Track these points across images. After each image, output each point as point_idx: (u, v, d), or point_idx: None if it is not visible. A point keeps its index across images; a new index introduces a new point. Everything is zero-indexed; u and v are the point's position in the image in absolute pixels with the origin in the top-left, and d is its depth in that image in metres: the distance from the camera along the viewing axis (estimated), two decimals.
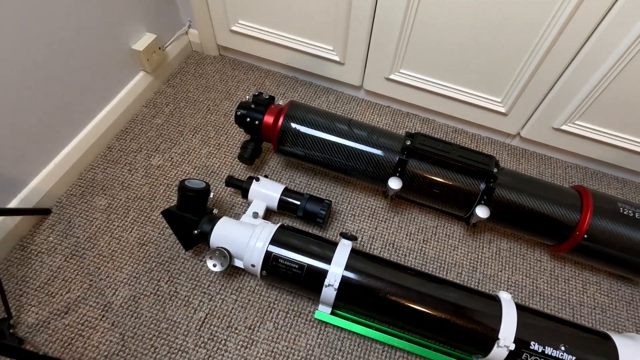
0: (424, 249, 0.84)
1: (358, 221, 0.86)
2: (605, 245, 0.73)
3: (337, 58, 0.94)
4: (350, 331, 0.72)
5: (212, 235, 0.69)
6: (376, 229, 0.85)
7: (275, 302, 0.74)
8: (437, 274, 0.80)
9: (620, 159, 0.94)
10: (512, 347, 0.61)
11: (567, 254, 0.79)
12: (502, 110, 0.91)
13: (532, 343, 0.62)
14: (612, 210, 0.74)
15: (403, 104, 1.03)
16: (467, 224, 0.84)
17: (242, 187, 0.77)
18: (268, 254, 0.66)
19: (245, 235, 0.68)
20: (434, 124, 1.04)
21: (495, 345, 0.62)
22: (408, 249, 0.83)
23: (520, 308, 0.66)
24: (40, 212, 0.76)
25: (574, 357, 0.62)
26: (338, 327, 0.72)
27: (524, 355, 0.62)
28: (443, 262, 0.82)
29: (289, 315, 0.73)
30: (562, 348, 0.62)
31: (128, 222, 0.79)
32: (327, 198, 0.82)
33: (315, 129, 0.76)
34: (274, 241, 0.67)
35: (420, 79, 0.92)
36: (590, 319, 0.79)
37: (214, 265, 0.67)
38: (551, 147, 0.98)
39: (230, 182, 0.79)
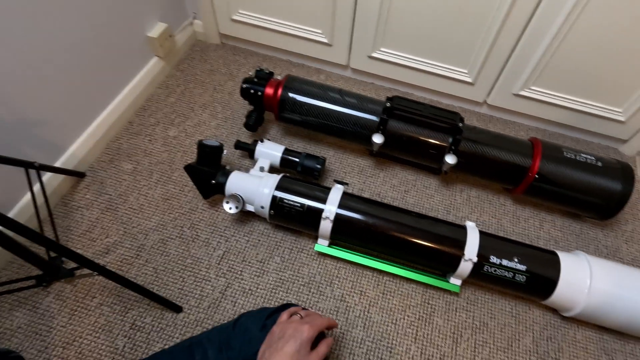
0: (405, 197, 0.99)
1: (349, 177, 1.01)
2: (553, 184, 0.89)
3: (325, 40, 1.09)
4: (344, 261, 0.87)
5: (227, 185, 0.83)
6: (364, 182, 1.00)
7: (281, 241, 0.89)
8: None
9: (571, 119, 1.11)
10: (475, 259, 0.77)
11: (524, 195, 0.95)
12: (469, 80, 1.07)
13: (491, 257, 0.78)
14: (558, 154, 0.90)
15: (385, 80, 1.19)
16: (439, 173, 1.00)
17: (249, 148, 0.92)
18: (274, 197, 0.81)
19: (255, 183, 0.83)
20: (412, 97, 1.19)
21: (462, 260, 0.78)
22: (392, 198, 0.98)
23: (482, 233, 0.81)
24: (77, 174, 0.90)
25: (525, 266, 0.77)
26: (335, 258, 0.87)
27: (485, 267, 0.78)
28: (422, 207, 0.98)
29: (293, 251, 0.88)
30: (516, 260, 0.78)
31: (152, 181, 0.94)
32: (323, 157, 0.97)
33: (310, 97, 0.91)
34: (279, 187, 0.82)
35: (398, 55, 1.08)
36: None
37: (230, 208, 0.82)
38: (513, 112, 1.14)
39: (239, 144, 0.93)
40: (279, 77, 0.96)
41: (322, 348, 0.56)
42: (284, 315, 0.61)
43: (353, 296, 0.84)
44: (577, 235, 0.98)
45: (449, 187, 1.02)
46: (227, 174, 0.84)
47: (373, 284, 0.86)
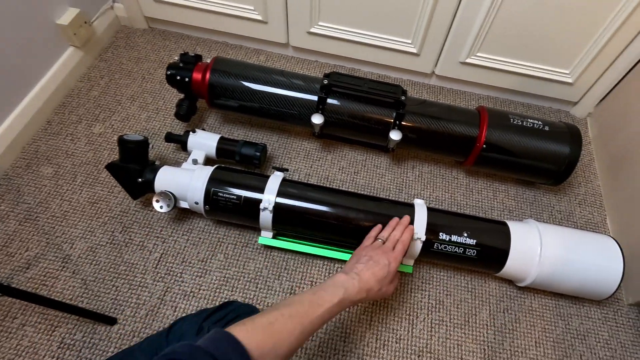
0: (355, 179, 0.96)
1: (294, 162, 0.97)
2: (501, 152, 0.88)
3: (259, 17, 1.03)
4: (292, 251, 0.84)
5: (155, 182, 0.78)
6: (311, 167, 0.97)
7: (224, 237, 0.85)
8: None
9: (520, 84, 1.10)
10: (423, 238, 0.75)
11: (474, 167, 0.94)
12: (414, 50, 1.04)
13: (440, 234, 0.76)
14: (504, 121, 0.88)
15: (328, 57, 1.14)
16: (387, 151, 0.97)
17: (180, 141, 0.86)
18: (208, 190, 0.76)
19: (187, 178, 0.78)
20: (359, 73, 1.16)
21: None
22: (341, 181, 0.96)
23: (431, 210, 0.80)
24: None
25: (474, 240, 0.76)
26: (282, 249, 0.84)
27: (435, 244, 0.76)
28: (373, 188, 0.96)
29: (237, 247, 0.84)
30: (465, 234, 0.77)
31: (76, 185, 0.87)
32: (263, 143, 0.93)
33: (241, 80, 0.85)
34: (212, 179, 0.77)
35: (338, 29, 1.03)
36: (499, 219, 0.94)
37: (161, 207, 0.76)
38: (462, 81, 1.13)
39: (170, 137, 0.87)
40: (209, 61, 0.90)
41: (397, 280, 0.68)
42: (367, 241, 0.71)
43: (303, 287, 0.81)
44: (531, 202, 0.98)
45: (400, 165, 1.00)
46: (155, 170, 0.79)
47: (324, 272, 0.83)
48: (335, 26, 1.03)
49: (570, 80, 1.06)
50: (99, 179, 0.88)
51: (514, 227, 0.80)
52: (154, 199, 0.76)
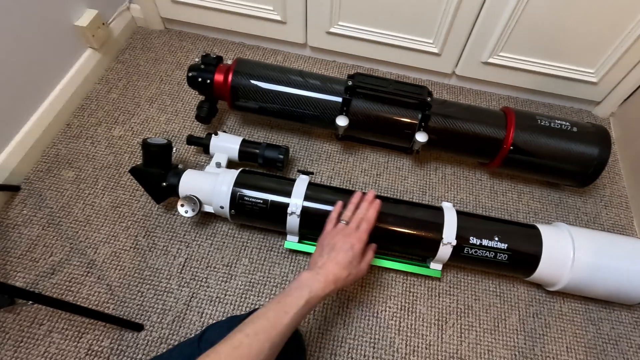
0: (377, 181, 0.95)
1: (316, 164, 0.96)
2: (529, 154, 0.87)
3: (278, 17, 1.02)
4: None
5: (180, 186, 0.77)
6: (333, 169, 0.96)
7: (248, 241, 0.84)
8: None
9: (543, 84, 1.09)
10: (454, 242, 0.74)
11: (500, 169, 0.93)
12: (435, 50, 1.03)
13: (470, 238, 0.75)
14: (532, 123, 0.87)
15: (347, 57, 1.13)
16: (411, 152, 0.97)
17: (202, 143, 0.86)
18: (234, 194, 0.75)
19: (211, 182, 0.77)
20: (378, 73, 1.15)
21: (441, 244, 0.75)
22: (363, 184, 0.95)
23: (460, 213, 0.79)
24: (10, 189, 0.82)
25: (505, 244, 0.75)
26: (307, 253, 0.83)
27: (465, 249, 0.76)
28: (396, 190, 0.95)
29: (262, 251, 0.83)
30: (496, 238, 0.76)
31: (98, 189, 0.86)
32: (285, 145, 0.92)
33: (264, 81, 0.85)
34: (238, 183, 0.76)
35: (358, 29, 1.02)
36: (525, 222, 0.93)
37: (186, 212, 0.76)
38: (483, 81, 1.12)
39: (191, 140, 0.87)
40: (229, 62, 0.89)
41: (370, 255, 0.66)
42: (329, 225, 0.68)
43: None
44: (556, 204, 0.97)
45: (422, 167, 0.99)
46: (179, 173, 0.78)
47: None
48: (356, 26, 1.02)
49: (594, 80, 1.05)
50: (120, 183, 0.88)
51: (545, 230, 0.79)
52: (179, 203, 0.76)
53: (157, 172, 0.77)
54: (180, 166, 0.81)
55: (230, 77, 0.83)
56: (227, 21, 1.08)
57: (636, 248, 0.78)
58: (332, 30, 1.03)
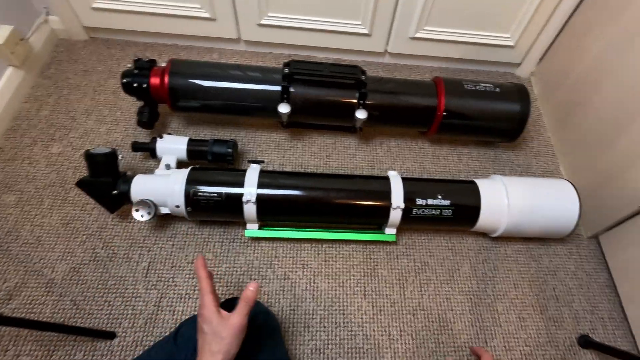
0: (328, 162, 1.04)
1: (266, 154, 1.03)
2: (460, 117, 0.99)
3: (207, 15, 1.07)
4: (280, 239, 0.90)
5: (132, 192, 0.81)
6: (284, 157, 1.03)
7: (210, 236, 0.90)
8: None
9: (468, 53, 1.23)
10: (402, 205, 0.85)
11: (438, 135, 1.05)
12: (365, 31, 1.13)
13: (417, 200, 0.86)
14: (459, 88, 1.00)
15: (282, 47, 1.21)
16: (355, 131, 1.06)
17: (148, 148, 0.90)
18: (188, 192, 0.81)
19: (163, 183, 0.82)
20: (315, 59, 1.23)
21: (391, 209, 0.85)
22: (315, 167, 1.03)
23: (405, 179, 0.89)
24: None
25: (449, 201, 0.87)
26: (269, 239, 0.90)
27: (413, 210, 0.86)
28: (346, 168, 1.04)
29: (224, 243, 0.89)
30: (440, 197, 0.87)
31: (45, 208, 0.88)
32: (233, 139, 0.98)
33: (202, 79, 0.90)
34: (190, 180, 0.82)
35: (288, 18, 1.10)
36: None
37: (142, 216, 0.80)
38: (415, 56, 1.24)
39: (137, 146, 0.91)
40: (164, 64, 0.94)
41: (241, 304, 0.54)
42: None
43: (296, 271, 0.88)
44: (493, 161, 1.11)
45: (369, 143, 1.09)
46: (129, 180, 0.82)
47: (313, 254, 0.91)
48: (285, 15, 1.09)
49: (511, 43, 1.20)
50: (67, 199, 0.90)
51: (482, 183, 0.91)
52: (134, 208, 0.80)
53: (106, 181, 0.80)
54: (129, 173, 0.85)
55: (166, 79, 0.88)
56: (154, 24, 1.11)
57: (560, 187, 0.92)
58: (263, 22, 1.10)
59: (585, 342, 0.86)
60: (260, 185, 0.83)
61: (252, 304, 0.55)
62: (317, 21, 1.11)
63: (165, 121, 1.05)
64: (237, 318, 0.53)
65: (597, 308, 0.92)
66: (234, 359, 0.53)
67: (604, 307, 0.92)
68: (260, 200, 0.82)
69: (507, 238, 0.98)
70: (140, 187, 0.82)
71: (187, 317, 0.75)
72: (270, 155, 1.03)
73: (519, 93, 1.02)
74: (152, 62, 0.91)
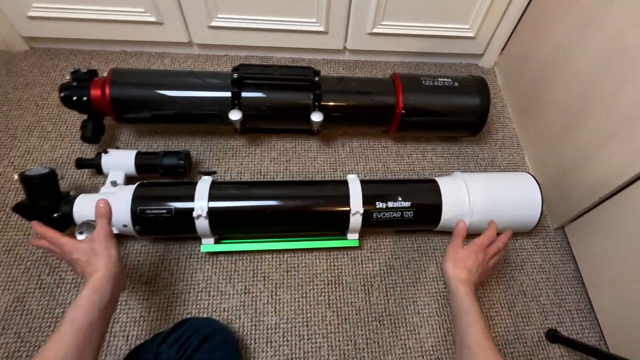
0: (288, 168, 1.01)
1: (223, 163, 1.00)
2: (419, 114, 0.98)
3: (153, 19, 1.03)
4: (239, 252, 0.88)
5: (74, 213, 0.77)
6: (241, 164, 1.00)
7: (165, 254, 0.87)
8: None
9: (428, 46, 1.21)
10: (362, 210, 0.83)
11: (400, 133, 1.03)
12: (321, 29, 1.10)
13: (377, 203, 0.84)
14: (417, 85, 0.98)
15: (237, 49, 1.17)
16: (314, 133, 1.03)
17: (93, 164, 0.86)
18: (134, 210, 0.77)
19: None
20: (272, 60, 1.20)
21: (350, 215, 0.83)
22: (274, 172, 1.00)
23: (364, 182, 0.87)
24: None
25: (409, 202, 0.85)
26: (228, 252, 0.87)
27: (374, 214, 0.84)
28: (307, 173, 1.01)
29: (181, 260, 0.86)
30: (400, 198, 0.85)
31: None
32: (185, 149, 0.94)
33: (145, 88, 0.86)
34: (137, 198, 0.78)
35: (239, 19, 1.06)
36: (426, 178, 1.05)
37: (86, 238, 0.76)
38: (374, 51, 1.21)
39: (81, 162, 0.86)
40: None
41: (98, 220, 0.65)
42: None
43: (257, 284, 0.86)
44: (457, 156, 1.10)
45: (330, 145, 1.07)
46: (71, 201, 0.78)
47: (275, 265, 0.88)
48: (236, 16, 1.06)
49: (472, 34, 1.18)
50: (9, 224, 0.85)
51: (442, 182, 0.90)
52: (76, 231, 0.76)
53: (45, 204, 0.76)
54: (72, 193, 0.81)
55: (107, 90, 0.84)
56: (98, 31, 1.06)
57: (521, 180, 0.91)
58: (214, 24, 1.06)
59: (553, 336, 0.86)
60: (212, 197, 0.80)
61: (108, 216, 0.67)
62: (270, 21, 1.07)
63: (114, 134, 1.00)
64: (99, 229, 0.64)
65: (565, 300, 0.92)
66: (118, 265, 0.62)
67: (571, 299, 0.92)
68: (213, 214, 0.79)
69: (474, 235, 0.97)
70: (84, 207, 0.78)
71: (140, 342, 0.72)
72: (228, 163, 1.00)
73: (478, 86, 1.00)
74: (92, 73, 0.87)
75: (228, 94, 0.88)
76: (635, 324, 0.78)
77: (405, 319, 0.86)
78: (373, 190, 0.86)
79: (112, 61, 1.12)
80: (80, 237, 0.76)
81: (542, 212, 0.89)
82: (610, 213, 0.84)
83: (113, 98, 0.85)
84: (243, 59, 1.18)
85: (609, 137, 0.81)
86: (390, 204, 0.85)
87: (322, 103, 0.92)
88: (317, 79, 0.91)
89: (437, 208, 0.87)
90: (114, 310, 0.60)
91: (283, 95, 0.91)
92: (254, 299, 0.84)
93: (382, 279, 0.90)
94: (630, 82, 0.76)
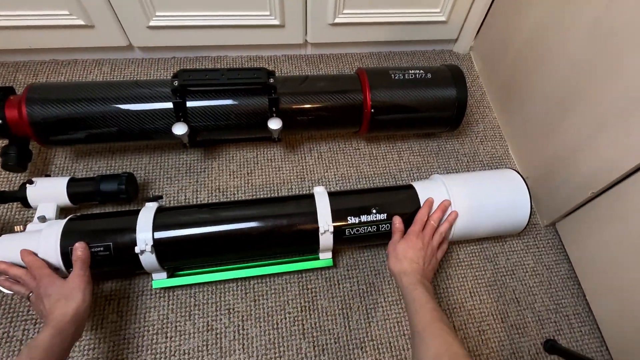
0: (250, 180, 0.92)
1: (176, 181, 0.90)
2: (391, 111, 0.89)
3: (81, 22, 0.91)
4: (198, 284, 0.78)
5: None
6: (197, 181, 0.90)
7: (112, 294, 0.77)
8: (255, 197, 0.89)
9: (398, 34, 1.12)
10: (331, 229, 0.74)
11: (372, 133, 0.94)
12: (277, 22, 1.00)
13: (348, 218, 0.75)
14: (385, 80, 0.89)
15: (185, 50, 1.06)
16: (276, 140, 0.94)
17: (17, 197, 0.74)
18: (64, 251, 0.67)
19: (34, 242, 0.67)
20: (227, 60, 1.09)
21: (320, 234, 0.74)
22: (235, 187, 0.90)
23: (333, 195, 0.78)
24: None
25: (384, 214, 0.77)
26: (185, 285, 0.78)
27: (346, 231, 0.75)
28: (272, 185, 0.92)
29: (131, 299, 0.76)
30: (374, 211, 0.76)
31: None
32: (127, 172, 0.84)
33: (71, 104, 0.75)
34: (67, 234, 0.67)
35: (181, 16, 0.95)
36: (410, 179, 0.97)
37: (10, 289, 0.66)
38: (339, 43, 1.12)
39: (2, 196, 0.75)
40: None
41: (76, 264, 0.64)
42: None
43: (221, 319, 0.77)
44: (436, 153, 1.02)
45: (296, 151, 0.97)
46: None
47: (240, 295, 0.79)
48: (178, 13, 0.94)
49: (443, 19, 1.10)
50: None
51: (420, 187, 0.81)
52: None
53: None
54: None
55: (24, 110, 0.72)
56: (21, 39, 0.93)
57: (506, 178, 0.84)
58: (153, 23, 0.94)
59: (551, 347, 0.80)
60: (158, 227, 0.70)
61: (87, 262, 0.65)
62: (218, 16, 0.96)
63: (47, 157, 0.89)
64: (76, 272, 0.63)
65: (561, 305, 0.85)
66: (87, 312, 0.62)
67: (568, 303, 0.86)
68: (159, 246, 0.69)
69: (459, 242, 0.90)
70: (6, 251, 0.67)
71: None
72: (181, 181, 0.90)
73: (454, 76, 0.92)
74: (7, 90, 0.75)
75: (169, 105, 0.78)
76: (636, 326, 0.72)
77: (389, 343, 0.78)
78: (343, 203, 0.77)
79: (41, 72, 0.99)
80: (6, 290, 0.66)
81: (531, 212, 0.82)
82: (604, 209, 0.77)
83: (32, 119, 0.73)
84: (193, 60, 1.07)
85: (599, 128, 0.74)
86: (363, 218, 0.76)
87: (280, 107, 0.82)
88: (271, 80, 0.80)
89: None
90: (67, 357, 0.59)
91: (234, 102, 0.80)
92: (218, 336, 0.75)
93: (362, 299, 0.81)
94: (620, 66, 0.68)
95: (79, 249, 0.65)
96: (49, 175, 0.80)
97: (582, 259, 0.85)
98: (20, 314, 0.73)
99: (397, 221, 0.76)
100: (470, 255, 0.89)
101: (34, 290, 0.63)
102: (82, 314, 0.60)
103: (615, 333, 0.79)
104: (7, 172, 0.85)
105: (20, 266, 0.66)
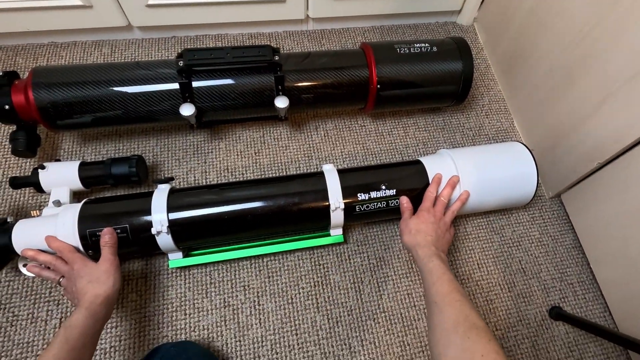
0: (257, 160, 0.94)
1: (185, 162, 0.91)
2: (397, 86, 0.90)
3: (78, 2, 0.89)
4: (213, 263, 0.81)
5: (14, 244, 0.69)
6: (205, 162, 0.92)
7: (130, 274, 0.79)
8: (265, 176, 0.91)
9: (401, 6, 1.12)
10: (342, 205, 0.76)
11: (378, 109, 0.95)
12: None
13: (358, 195, 0.78)
14: (391, 54, 0.89)
15: (187, 28, 1.06)
16: (283, 119, 0.95)
17: (31, 183, 0.76)
18: (83, 234, 0.69)
19: (52, 226, 0.69)
20: (228, 38, 1.09)
21: (331, 211, 0.76)
22: (243, 167, 0.92)
23: (342, 172, 0.80)
24: None
25: (394, 190, 0.79)
26: (200, 264, 0.81)
27: (357, 207, 0.78)
28: (280, 164, 0.94)
29: (149, 279, 0.79)
30: (383, 187, 0.79)
31: None
32: (137, 154, 0.85)
33: (77, 88, 0.75)
34: (84, 218, 0.70)
35: None
36: (416, 155, 0.99)
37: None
38: (342, 18, 1.11)
39: (15, 182, 0.77)
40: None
41: (104, 249, 0.67)
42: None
43: (237, 295, 0.80)
44: (442, 128, 1.03)
45: (302, 130, 0.99)
46: (8, 230, 0.69)
47: (254, 272, 0.82)
48: None
49: None
50: None
51: (428, 162, 0.83)
52: (19, 264, 0.68)
53: None
54: (9, 219, 0.72)
55: (31, 95, 0.73)
56: (17, 21, 0.93)
57: (513, 151, 0.86)
58: (152, 2, 0.93)
59: (557, 314, 0.84)
60: (172, 208, 0.72)
61: (114, 245, 0.68)
62: None
63: (55, 142, 0.90)
64: (106, 257, 0.66)
65: (566, 274, 0.89)
66: (116, 295, 0.65)
67: (572, 272, 0.89)
68: (175, 227, 0.71)
69: (466, 215, 0.93)
70: (24, 235, 0.69)
71: None
72: (190, 162, 0.91)
73: (459, 48, 0.92)
74: (12, 76, 0.76)
75: (176, 86, 0.78)
76: (639, 291, 0.76)
77: (401, 314, 0.82)
78: (353, 180, 0.79)
79: (41, 56, 0.99)
80: (25, 270, 0.69)
81: (537, 185, 0.84)
82: (609, 180, 0.79)
83: (39, 103, 0.74)
84: (193, 40, 1.07)
85: (605, 97, 0.76)
86: (373, 194, 0.78)
87: (286, 85, 0.83)
88: (277, 58, 0.81)
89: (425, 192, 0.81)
90: (98, 338, 0.62)
91: (240, 80, 0.81)
92: (235, 311, 0.79)
93: (373, 273, 0.85)
94: (626, 32, 0.69)
95: (107, 234, 0.67)
96: (59, 160, 0.81)
97: (587, 229, 0.89)
98: (43, 295, 0.76)
99: (405, 200, 0.78)
100: (477, 228, 0.92)
101: (66, 273, 0.65)
102: (112, 297, 0.63)
103: (618, 299, 0.83)
104: (16, 158, 0.87)
105: (47, 252, 0.68)
